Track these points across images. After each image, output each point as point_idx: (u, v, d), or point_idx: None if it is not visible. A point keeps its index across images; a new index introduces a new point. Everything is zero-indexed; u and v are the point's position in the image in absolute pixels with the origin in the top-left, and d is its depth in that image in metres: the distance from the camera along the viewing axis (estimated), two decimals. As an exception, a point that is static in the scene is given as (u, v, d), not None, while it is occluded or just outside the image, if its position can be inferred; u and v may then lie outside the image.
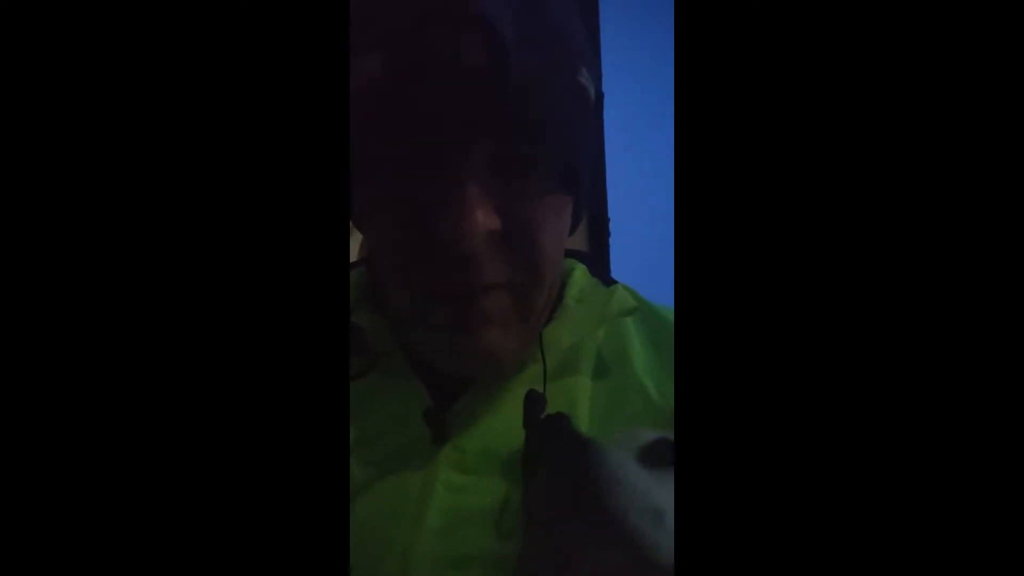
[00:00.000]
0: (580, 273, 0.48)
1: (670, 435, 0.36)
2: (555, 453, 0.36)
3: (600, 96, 0.41)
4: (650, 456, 0.35)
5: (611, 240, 0.47)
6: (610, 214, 0.43)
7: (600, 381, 0.44)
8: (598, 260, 0.50)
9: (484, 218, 0.34)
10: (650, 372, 0.44)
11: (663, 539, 0.31)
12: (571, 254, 0.48)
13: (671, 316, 0.47)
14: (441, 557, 0.38)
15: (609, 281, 0.47)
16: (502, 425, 0.42)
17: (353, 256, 0.52)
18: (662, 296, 0.47)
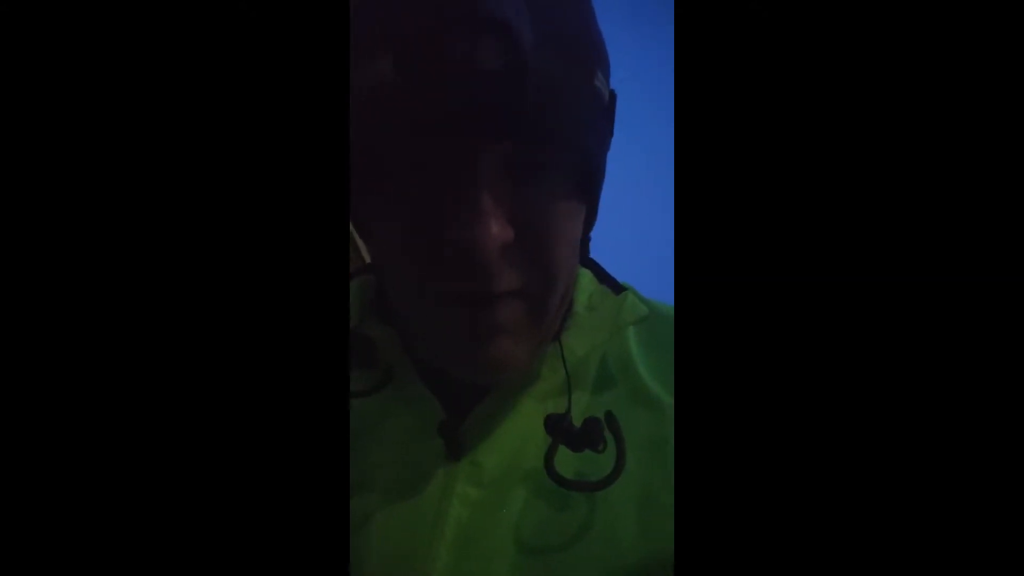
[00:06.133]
0: (587, 279, 0.47)
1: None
2: None
3: (613, 97, 0.40)
4: None
5: (609, 246, 0.46)
6: (606, 216, 0.42)
7: (608, 391, 0.43)
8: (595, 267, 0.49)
9: (498, 229, 0.33)
10: (656, 374, 0.44)
11: None
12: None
13: (671, 313, 0.46)
14: (459, 573, 0.38)
15: (618, 288, 0.46)
16: (519, 438, 0.41)
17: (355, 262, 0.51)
18: (660, 294, 0.47)
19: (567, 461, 0.39)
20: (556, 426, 0.39)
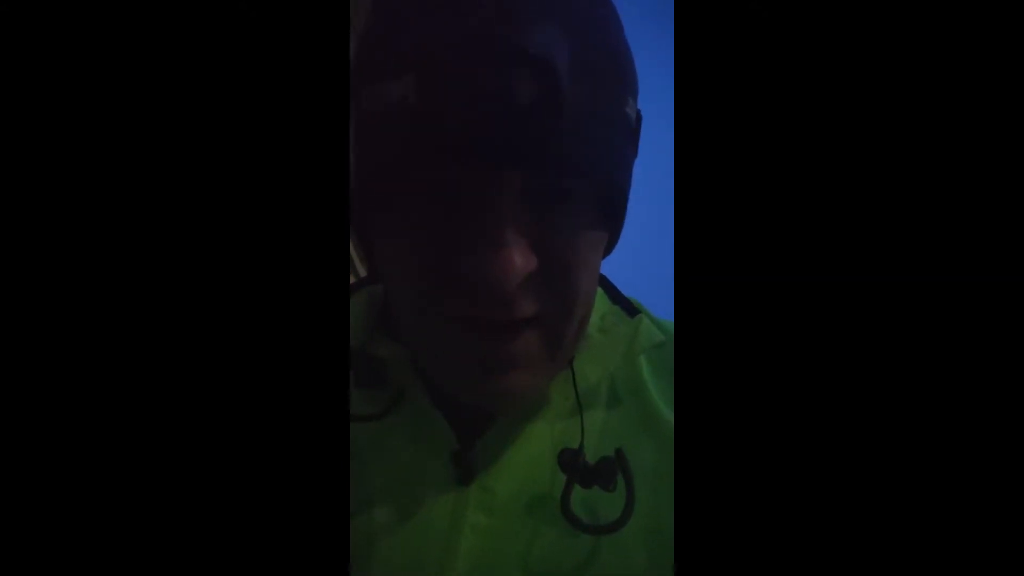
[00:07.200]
0: (599, 299, 0.45)
1: None
2: None
3: (639, 118, 0.38)
4: None
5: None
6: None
7: (617, 414, 0.42)
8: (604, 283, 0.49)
9: (521, 260, 0.32)
10: (667, 398, 0.43)
11: None
12: None
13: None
14: None
15: (631, 310, 0.45)
16: (529, 462, 0.40)
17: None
18: (659, 302, 0.47)
19: (575, 493, 0.38)
20: (571, 463, 0.38)
